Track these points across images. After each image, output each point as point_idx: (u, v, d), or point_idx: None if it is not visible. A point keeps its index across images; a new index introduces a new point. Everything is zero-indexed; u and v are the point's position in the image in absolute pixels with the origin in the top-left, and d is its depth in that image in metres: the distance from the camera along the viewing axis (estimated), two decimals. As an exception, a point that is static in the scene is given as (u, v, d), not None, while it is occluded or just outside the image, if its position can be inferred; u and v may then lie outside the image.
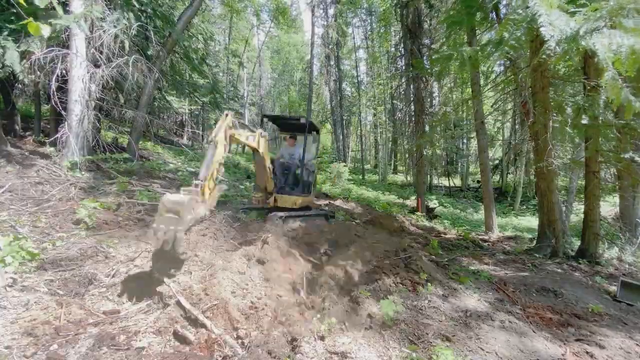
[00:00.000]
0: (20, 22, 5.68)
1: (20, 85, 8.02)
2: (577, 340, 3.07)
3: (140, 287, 3.11)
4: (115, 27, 7.01)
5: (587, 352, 2.85)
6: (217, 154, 3.32)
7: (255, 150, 4.78)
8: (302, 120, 6.20)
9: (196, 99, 12.22)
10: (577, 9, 3.22)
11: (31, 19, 1.66)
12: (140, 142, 10.44)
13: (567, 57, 4.13)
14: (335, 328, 2.73)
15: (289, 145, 6.84)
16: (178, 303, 2.85)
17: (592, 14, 2.89)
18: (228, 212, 5.73)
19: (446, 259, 5.45)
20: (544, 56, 3.22)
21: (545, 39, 3.00)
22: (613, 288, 4.63)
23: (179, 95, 12.32)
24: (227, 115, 3.63)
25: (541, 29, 3.03)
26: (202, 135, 21.39)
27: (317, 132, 7.24)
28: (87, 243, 3.99)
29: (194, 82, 12.41)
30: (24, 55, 6.04)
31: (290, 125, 7.15)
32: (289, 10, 25.02)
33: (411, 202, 15.64)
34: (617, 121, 5.61)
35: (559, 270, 5.55)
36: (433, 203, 14.94)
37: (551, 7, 3.07)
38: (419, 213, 12.01)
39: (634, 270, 5.95)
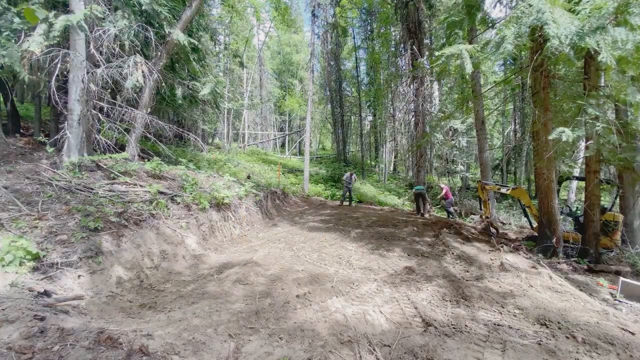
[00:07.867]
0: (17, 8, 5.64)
1: (20, 85, 7.98)
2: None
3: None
4: (115, 27, 6.98)
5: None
6: None
7: None
8: None
9: (197, 99, 12.14)
10: (581, 8, 3.18)
11: (27, 3, 1.64)
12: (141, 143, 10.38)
13: (568, 57, 4.12)
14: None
15: None
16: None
17: (597, 12, 2.86)
18: None
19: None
20: (547, 54, 3.19)
21: (549, 36, 2.97)
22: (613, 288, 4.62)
23: (183, 101, 12.22)
24: None
25: (545, 27, 3.00)
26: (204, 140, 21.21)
27: None
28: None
29: (195, 81, 12.33)
30: (24, 55, 6.01)
31: None
32: (289, 8, 24.89)
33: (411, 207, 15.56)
34: (617, 121, 5.59)
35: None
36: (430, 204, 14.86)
37: (554, 4, 3.04)
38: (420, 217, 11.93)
39: (634, 270, 5.94)
